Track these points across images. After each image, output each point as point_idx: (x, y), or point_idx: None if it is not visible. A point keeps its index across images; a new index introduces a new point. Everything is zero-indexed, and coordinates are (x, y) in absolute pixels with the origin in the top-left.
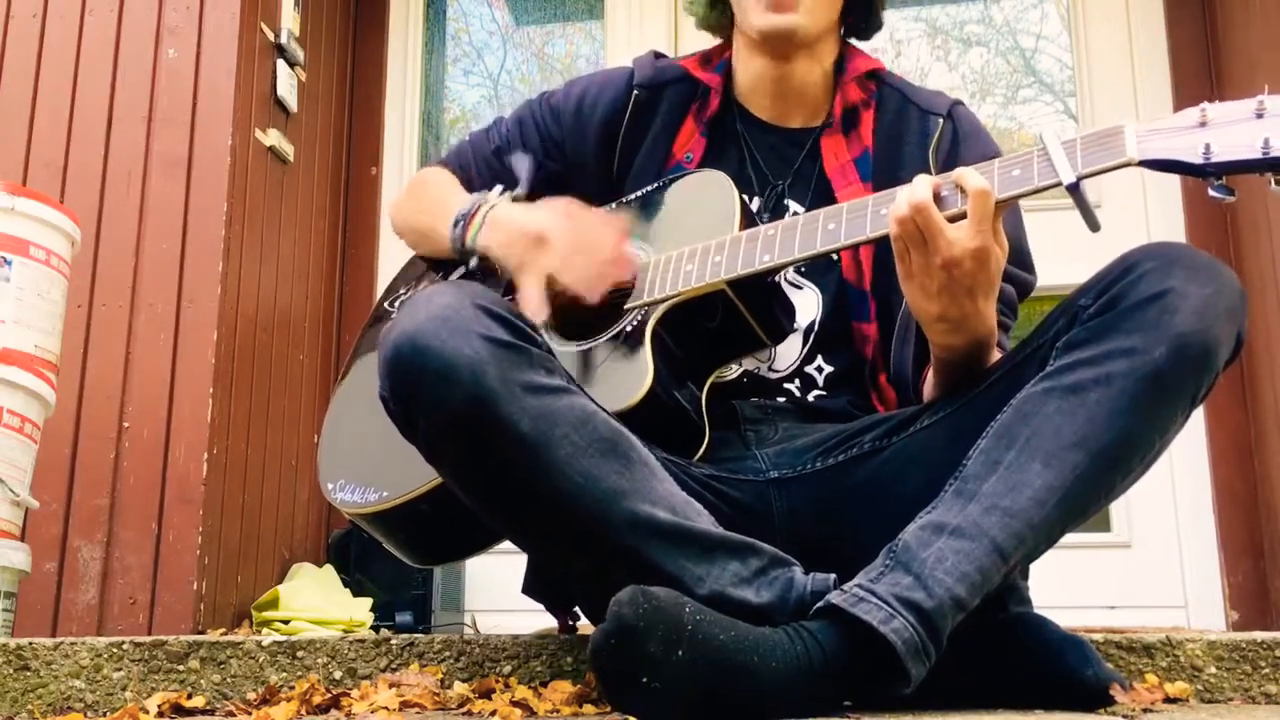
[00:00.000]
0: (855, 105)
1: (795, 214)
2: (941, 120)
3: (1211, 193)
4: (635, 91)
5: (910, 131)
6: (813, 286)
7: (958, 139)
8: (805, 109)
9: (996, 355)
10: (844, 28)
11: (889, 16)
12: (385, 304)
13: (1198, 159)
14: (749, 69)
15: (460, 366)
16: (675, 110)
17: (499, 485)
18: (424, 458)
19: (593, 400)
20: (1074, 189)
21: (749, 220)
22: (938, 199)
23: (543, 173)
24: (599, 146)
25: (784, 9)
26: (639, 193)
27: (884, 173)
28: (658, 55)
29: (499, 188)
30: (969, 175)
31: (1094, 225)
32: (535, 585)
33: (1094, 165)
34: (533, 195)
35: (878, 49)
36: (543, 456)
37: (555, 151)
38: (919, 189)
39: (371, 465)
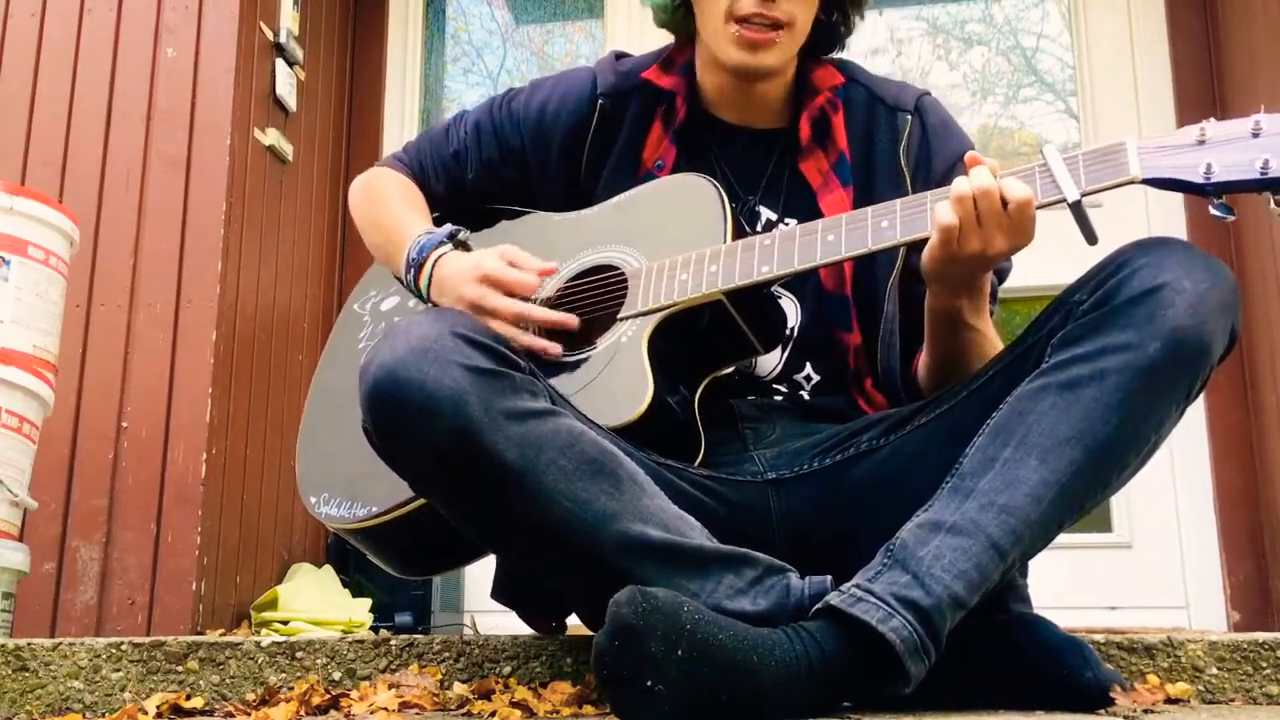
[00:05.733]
0: (823, 110)
1: (768, 220)
2: (910, 117)
3: (1213, 211)
4: (600, 101)
5: (880, 131)
6: (790, 296)
7: (927, 135)
8: (770, 113)
9: (991, 323)
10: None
11: (890, 15)
12: (355, 305)
13: (1199, 178)
14: (713, 81)
15: (441, 399)
16: (641, 118)
17: (488, 514)
18: (411, 489)
19: (580, 416)
20: (1076, 206)
21: (738, 226)
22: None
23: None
24: (563, 155)
25: (758, 50)
26: (620, 196)
27: (861, 175)
28: (618, 56)
29: (448, 227)
30: (1011, 186)
31: (1092, 239)
32: (507, 591)
33: (1097, 183)
34: (490, 200)
35: (878, 49)
36: (530, 484)
37: (514, 160)
38: (981, 178)
39: (355, 479)
